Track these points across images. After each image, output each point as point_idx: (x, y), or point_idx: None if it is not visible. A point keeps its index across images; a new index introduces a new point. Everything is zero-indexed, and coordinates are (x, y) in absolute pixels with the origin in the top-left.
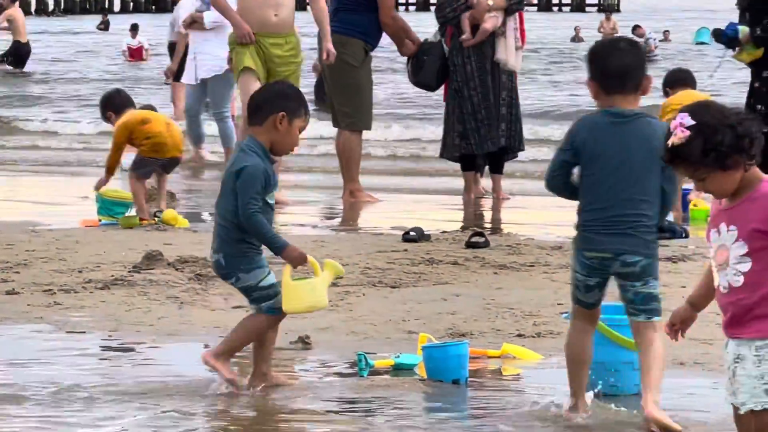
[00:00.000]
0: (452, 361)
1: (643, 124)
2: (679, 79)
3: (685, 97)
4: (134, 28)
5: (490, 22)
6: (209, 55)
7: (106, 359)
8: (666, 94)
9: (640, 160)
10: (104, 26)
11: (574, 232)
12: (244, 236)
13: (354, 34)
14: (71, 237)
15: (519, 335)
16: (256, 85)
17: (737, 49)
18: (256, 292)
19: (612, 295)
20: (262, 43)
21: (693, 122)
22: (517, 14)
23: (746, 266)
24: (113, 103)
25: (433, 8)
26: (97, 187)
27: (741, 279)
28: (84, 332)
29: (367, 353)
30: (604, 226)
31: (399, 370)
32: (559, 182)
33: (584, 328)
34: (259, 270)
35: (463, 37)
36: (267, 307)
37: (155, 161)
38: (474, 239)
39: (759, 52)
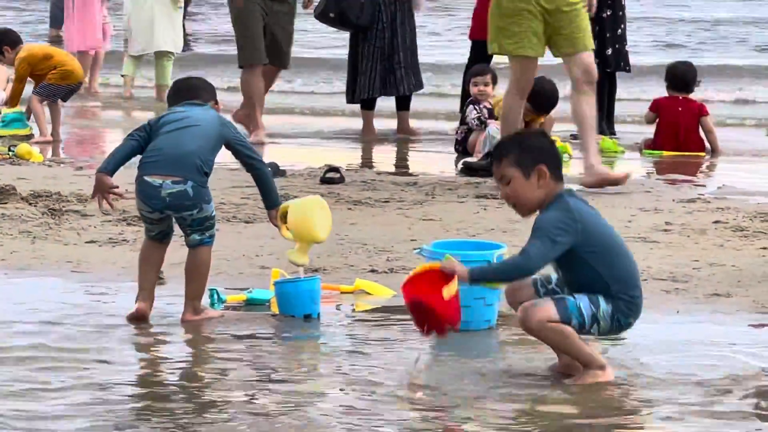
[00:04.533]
0: (304, 296)
1: None
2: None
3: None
4: None
5: None
6: None
7: None
8: None
9: None
10: None
11: (429, 169)
12: (208, 171)
13: None
14: None
15: (372, 271)
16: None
17: None
18: (209, 221)
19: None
20: None
21: None
22: None
23: None
24: (9, 39)
25: None
26: None
27: None
28: None
29: (219, 289)
30: None
31: (251, 305)
32: None
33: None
34: (212, 201)
35: None
36: (210, 235)
37: (63, 88)
38: (329, 175)
39: None
